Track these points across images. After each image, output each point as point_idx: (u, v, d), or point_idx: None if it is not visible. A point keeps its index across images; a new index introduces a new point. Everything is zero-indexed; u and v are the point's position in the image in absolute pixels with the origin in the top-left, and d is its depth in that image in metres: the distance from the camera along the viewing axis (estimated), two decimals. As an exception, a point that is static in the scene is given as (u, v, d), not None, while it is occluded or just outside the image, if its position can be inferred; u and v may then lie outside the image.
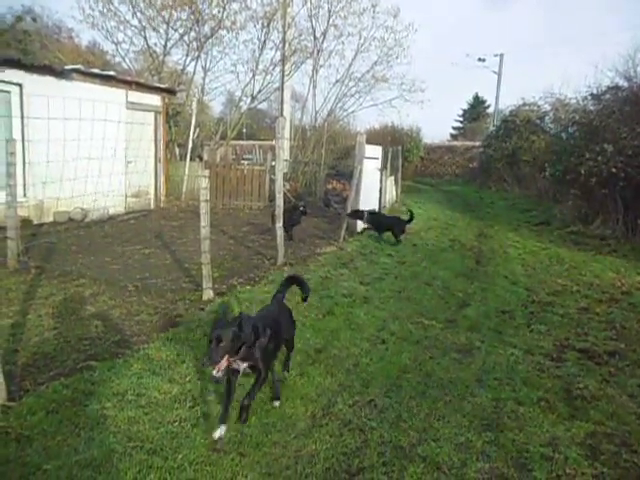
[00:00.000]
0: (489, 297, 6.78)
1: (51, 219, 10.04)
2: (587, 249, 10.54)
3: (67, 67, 10.24)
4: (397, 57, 18.30)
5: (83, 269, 6.84)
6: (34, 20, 21.47)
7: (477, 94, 47.93)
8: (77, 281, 6.26)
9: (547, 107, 22.09)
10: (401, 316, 5.73)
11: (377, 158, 11.96)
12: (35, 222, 9.62)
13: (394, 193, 15.85)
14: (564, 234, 12.19)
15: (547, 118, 22.43)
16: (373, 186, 11.84)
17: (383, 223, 10.34)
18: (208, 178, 5.59)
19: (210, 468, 2.89)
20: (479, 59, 33.37)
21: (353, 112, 19.51)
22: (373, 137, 20.25)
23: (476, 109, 47.84)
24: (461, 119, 49.33)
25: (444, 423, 3.53)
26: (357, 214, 10.11)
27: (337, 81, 18.16)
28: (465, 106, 49.11)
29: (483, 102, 47.27)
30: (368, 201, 11.37)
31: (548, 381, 4.27)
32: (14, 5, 25.51)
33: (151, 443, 3.07)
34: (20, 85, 9.23)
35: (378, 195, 12.34)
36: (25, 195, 9.41)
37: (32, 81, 9.35)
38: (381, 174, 12.46)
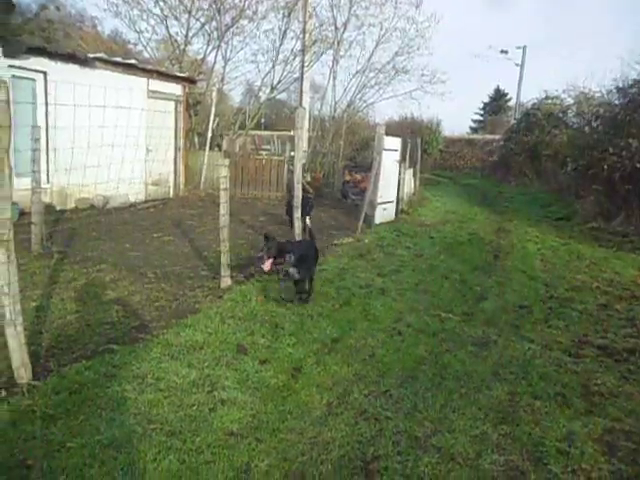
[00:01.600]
0: (507, 291, 6.74)
1: (73, 205, 10.21)
2: (608, 246, 10.38)
3: (90, 55, 10.34)
4: (418, 48, 18.09)
5: (104, 255, 6.96)
6: (58, 9, 21.66)
7: (498, 87, 47.33)
8: (98, 266, 6.37)
9: (570, 100, 21.70)
10: (418, 308, 5.73)
11: (396, 150, 11.88)
12: (58, 208, 9.78)
13: (412, 185, 15.75)
14: (585, 230, 12.01)
15: (570, 112, 22.01)
16: (392, 178, 11.77)
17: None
18: (228, 167, 5.63)
19: (227, 452, 2.94)
20: (501, 51, 32.86)
21: (373, 103, 19.37)
22: (392, 129, 20.04)
23: (497, 102, 47.22)
24: (481, 112, 48.76)
25: (459, 415, 3.54)
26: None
27: (357, 72, 18.05)
28: (486, 99, 48.54)
29: (504, 95, 46.64)
30: (386, 193, 11.34)
31: (565, 376, 4.24)
32: (38, -7, 25.74)
33: (170, 426, 3.13)
34: (44, 73, 9.36)
35: (396, 187, 12.27)
36: (48, 182, 9.57)
37: (56, 69, 9.47)
38: (400, 166, 12.38)
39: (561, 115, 22.49)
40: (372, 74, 18.23)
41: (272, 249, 5.03)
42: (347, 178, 16.62)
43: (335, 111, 18.13)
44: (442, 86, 19.03)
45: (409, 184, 14.97)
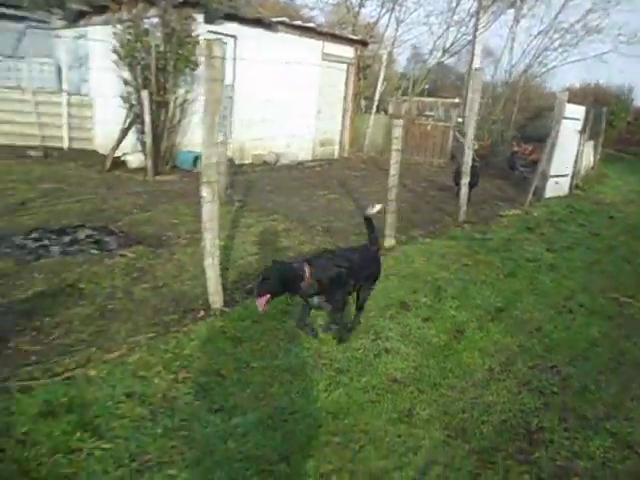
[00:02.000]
0: None
1: (249, 161, 11.13)
2: None
3: (273, 20, 10.96)
4: (618, 3, 15.93)
5: (276, 206, 7.53)
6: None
7: None
8: (271, 216, 6.92)
9: None
10: (592, 289, 5.30)
11: (578, 119, 10.80)
12: (237, 162, 10.75)
13: (591, 160, 14.25)
14: None
15: None
16: (569, 149, 10.77)
17: None
18: (401, 127, 5.66)
19: (391, 396, 3.10)
20: None
21: (554, 67, 17.70)
22: (572, 97, 18.22)
23: None
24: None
25: (639, 404, 3.27)
26: None
27: (540, 32, 16.57)
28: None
29: None
30: (561, 165, 10.43)
31: None
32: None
33: (338, 363, 3.38)
34: (234, 37, 10.18)
35: (573, 160, 11.21)
36: (231, 137, 10.52)
37: (244, 32, 10.25)
38: (580, 137, 11.26)
39: None
40: (557, 35, 16.60)
41: (268, 282, 3.17)
42: (516, 149, 15.59)
43: (510, 76, 16.94)
44: (642, 48, 16.63)
45: (587, 158, 13.57)
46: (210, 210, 3.71)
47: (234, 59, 10.23)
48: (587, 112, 11.65)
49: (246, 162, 11.06)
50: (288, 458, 2.49)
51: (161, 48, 8.64)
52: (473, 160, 8.37)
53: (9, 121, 10.23)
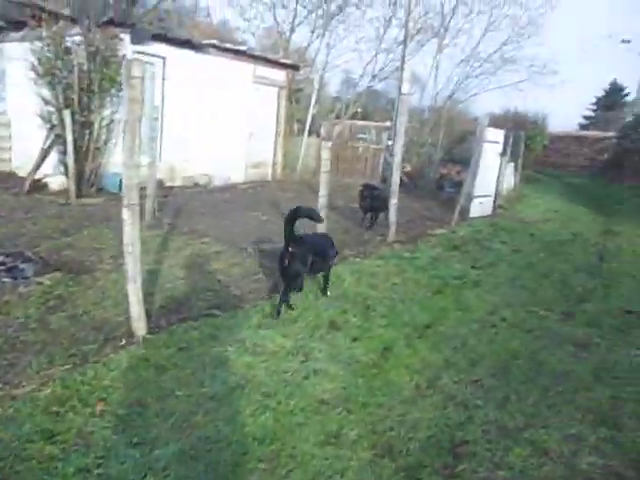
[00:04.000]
0: (612, 295, 6.31)
1: (180, 183, 10.90)
2: None
3: (204, 42, 10.93)
4: (529, 37, 17.17)
5: (207, 229, 7.39)
6: (173, 0, 23.07)
7: (615, 80, 43.65)
8: (202, 239, 6.79)
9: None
10: (514, 303, 5.55)
11: (498, 142, 11.44)
12: (167, 184, 10.50)
13: (512, 181, 15.09)
14: None
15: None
16: (491, 171, 11.37)
17: None
18: (329, 150, 5.76)
19: (319, 417, 3.07)
20: (623, 40, 30.25)
21: (475, 94, 18.73)
22: (493, 122, 19.29)
23: (612, 97, 43.59)
24: (594, 107, 45.30)
25: (554, 412, 3.42)
26: None
27: (461, 61, 17.53)
28: (600, 93, 45.00)
29: (622, 89, 42.95)
30: (484, 186, 10.98)
31: (678, 387, 3.94)
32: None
33: (266, 387, 3.32)
34: (164, 58, 10.04)
35: (495, 181, 11.83)
36: (160, 159, 10.28)
37: (174, 54, 10.13)
38: (501, 160, 11.91)
39: (689, 112, 20.41)
40: (477, 64, 17.62)
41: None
42: (444, 171, 16.29)
43: (436, 101, 17.74)
44: (553, 78, 17.95)
45: (509, 179, 14.36)
46: (131, 233, 3.58)
47: (163, 80, 10.07)
48: (507, 136, 12.37)
49: (177, 184, 10.83)
50: (211, 489, 2.40)
51: (85, 67, 8.37)
52: (374, 188, 8.42)
53: None
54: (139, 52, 8.92)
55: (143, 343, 3.65)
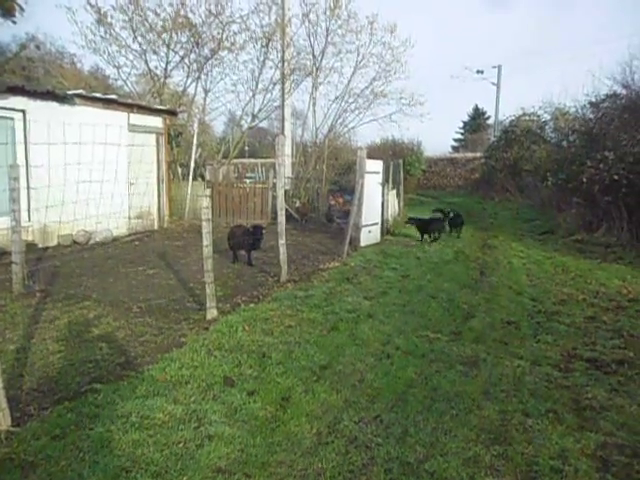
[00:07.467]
0: (494, 308, 6.74)
1: (55, 242, 10.10)
2: (592, 257, 10.49)
3: (70, 92, 10.37)
4: (395, 72, 18.34)
5: (87, 291, 6.86)
6: (37, 47, 21.85)
7: (477, 106, 48.23)
8: (81, 304, 6.27)
9: (547, 116, 22.23)
10: (406, 330, 5.70)
11: (378, 172, 11.98)
12: (40, 246, 9.67)
13: (397, 206, 15.86)
14: (569, 242, 12.15)
15: (547, 127, 22.51)
16: (375, 200, 11.85)
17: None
18: (209, 197, 5.62)
19: (215, 490, 2.86)
20: (477, 71, 33.63)
21: (353, 128, 19.54)
22: (374, 152, 20.31)
23: (476, 121, 48.05)
24: (462, 131, 49.54)
25: (451, 437, 3.49)
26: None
27: (336, 98, 18.24)
28: (465, 118, 49.38)
29: (483, 113, 47.50)
30: (370, 215, 11.39)
31: (556, 392, 4.23)
32: (18, 33, 25.95)
33: (156, 465, 3.05)
34: (23, 111, 9.36)
35: (380, 209, 12.34)
36: (29, 219, 9.47)
37: (35, 107, 9.48)
38: (383, 188, 12.47)
39: (539, 131, 22.96)
40: (351, 99, 18.45)
41: None
42: (332, 202, 16.74)
43: (317, 137, 18.29)
44: (421, 108, 19.20)
45: (393, 205, 15.08)
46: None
47: (25, 135, 9.37)
48: (386, 165, 13.02)
49: (52, 244, 10.02)
50: None
51: None
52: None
53: None
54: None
55: (6, 440, 3.20)
